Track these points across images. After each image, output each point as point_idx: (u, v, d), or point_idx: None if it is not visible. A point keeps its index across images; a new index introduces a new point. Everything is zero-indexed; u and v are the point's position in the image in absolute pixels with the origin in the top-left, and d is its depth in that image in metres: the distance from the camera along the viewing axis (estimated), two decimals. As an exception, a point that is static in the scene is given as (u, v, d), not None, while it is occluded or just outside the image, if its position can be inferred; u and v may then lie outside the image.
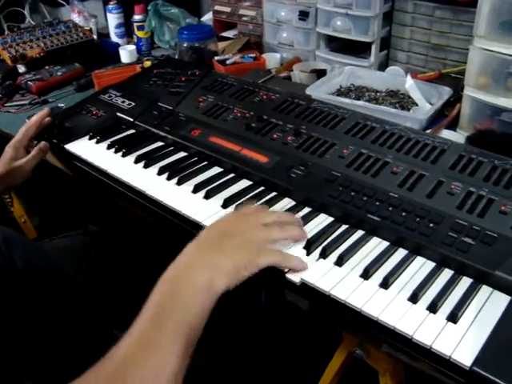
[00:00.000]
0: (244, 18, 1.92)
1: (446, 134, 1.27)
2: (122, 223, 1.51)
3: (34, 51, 1.79)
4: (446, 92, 1.38)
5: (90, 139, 1.27)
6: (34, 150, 1.25)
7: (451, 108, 1.36)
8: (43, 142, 1.25)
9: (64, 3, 2.18)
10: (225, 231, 0.78)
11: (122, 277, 1.26)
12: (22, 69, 1.79)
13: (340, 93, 1.49)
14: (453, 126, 1.32)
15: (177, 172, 1.09)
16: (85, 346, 0.94)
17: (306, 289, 0.80)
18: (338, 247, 0.86)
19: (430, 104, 1.37)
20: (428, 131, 1.27)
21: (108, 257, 1.28)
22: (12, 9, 2.05)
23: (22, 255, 0.91)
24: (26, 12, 2.09)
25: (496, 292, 0.77)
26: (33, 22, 2.08)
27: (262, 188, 1.03)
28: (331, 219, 0.93)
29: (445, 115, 1.36)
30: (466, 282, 0.79)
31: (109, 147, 1.22)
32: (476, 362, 0.65)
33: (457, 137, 1.26)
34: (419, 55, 1.59)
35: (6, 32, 1.98)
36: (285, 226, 0.84)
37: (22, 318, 0.82)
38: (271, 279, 0.86)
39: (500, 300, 0.75)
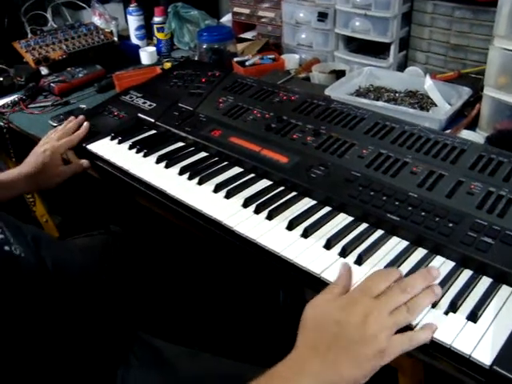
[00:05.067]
0: (263, 20, 1.93)
1: (466, 134, 1.27)
2: (144, 223, 1.52)
3: (57, 53, 1.82)
4: (466, 92, 1.37)
5: (111, 140, 1.29)
6: (74, 163, 1.27)
7: (471, 108, 1.35)
8: (87, 161, 1.26)
9: (85, 6, 2.21)
10: (341, 329, 0.66)
11: (144, 277, 1.27)
12: (44, 71, 1.83)
13: (359, 93, 1.50)
14: (472, 126, 1.32)
15: (198, 172, 1.11)
16: (110, 346, 0.95)
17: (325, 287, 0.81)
18: (357, 246, 0.87)
19: (450, 104, 1.37)
20: (447, 131, 1.27)
21: (129, 257, 1.29)
22: (35, 12, 2.08)
23: (50, 254, 0.92)
24: (49, 15, 2.12)
25: (516, 291, 0.77)
26: (55, 25, 2.11)
27: (282, 188, 1.04)
28: (351, 218, 0.94)
29: (464, 115, 1.35)
30: (485, 282, 0.79)
31: (130, 147, 1.24)
32: (496, 361, 0.66)
33: (476, 137, 1.25)
34: (438, 55, 1.58)
35: (30, 35, 2.01)
36: (415, 302, 0.70)
37: (53, 317, 0.84)
38: (289, 279, 0.87)
39: (520, 299, 0.76)
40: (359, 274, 0.81)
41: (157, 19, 2.01)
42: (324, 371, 0.64)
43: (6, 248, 0.80)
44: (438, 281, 0.78)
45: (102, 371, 0.85)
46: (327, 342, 0.66)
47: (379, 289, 0.69)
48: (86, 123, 1.32)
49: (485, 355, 0.67)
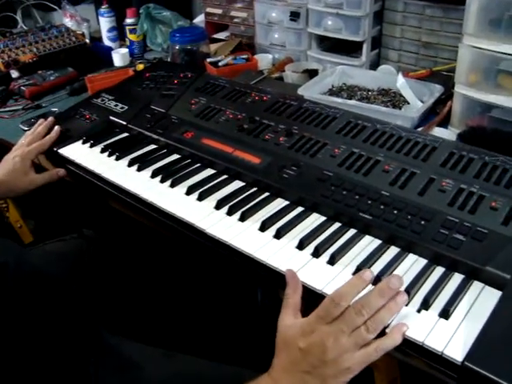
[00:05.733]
0: (235, 20, 1.92)
1: (438, 131, 1.28)
2: (117, 226, 1.51)
3: (27, 56, 1.79)
4: (437, 90, 1.38)
5: (83, 143, 1.27)
6: (48, 172, 1.25)
7: (442, 106, 1.36)
8: (63, 170, 1.25)
9: (56, 8, 2.19)
10: (303, 355, 0.69)
11: (116, 280, 1.26)
12: (15, 74, 1.80)
13: (332, 92, 1.50)
14: (444, 123, 1.33)
15: (170, 174, 1.10)
16: (72, 348, 0.94)
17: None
18: (330, 246, 0.87)
19: (422, 102, 1.37)
20: (420, 129, 1.27)
21: (102, 260, 1.28)
22: (4, 14, 2.05)
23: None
24: (19, 17, 2.10)
25: (487, 287, 0.78)
26: (25, 27, 2.08)
27: (255, 189, 1.04)
28: (323, 218, 0.94)
29: (436, 113, 1.36)
30: (457, 279, 0.80)
31: (102, 151, 1.23)
32: (468, 357, 0.66)
33: (448, 134, 1.26)
34: (410, 53, 1.59)
35: (-1, 37, 1.98)
36: (375, 320, 0.69)
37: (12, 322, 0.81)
38: (267, 279, 0.87)
39: (491, 295, 0.76)
40: (332, 274, 0.81)
41: (129, 20, 1.99)
42: None
43: None
44: (409, 280, 0.78)
45: (64, 371, 0.83)
46: (294, 364, 0.70)
47: (335, 313, 0.69)
48: (56, 127, 1.30)
49: (457, 351, 0.67)
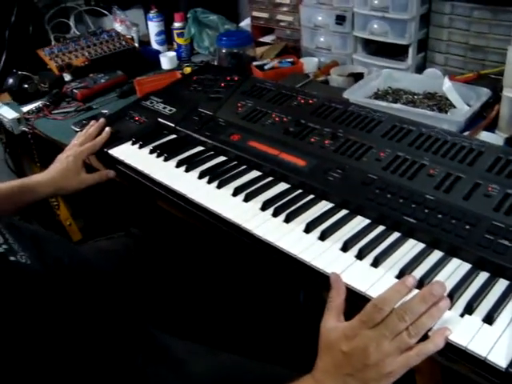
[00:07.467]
0: (281, 23, 1.94)
1: (485, 135, 1.26)
2: (164, 226, 1.55)
3: (79, 60, 1.85)
4: (485, 93, 1.37)
5: (132, 144, 1.31)
6: (99, 173, 1.31)
7: (490, 110, 1.35)
8: (113, 172, 1.30)
9: (107, 13, 2.25)
10: (345, 359, 0.70)
11: (163, 278, 1.29)
12: (67, 77, 1.87)
13: (377, 96, 1.50)
14: (492, 127, 1.31)
15: (217, 176, 1.12)
16: (121, 342, 0.96)
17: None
18: (374, 249, 0.88)
19: (469, 106, 1.36)
20: (466, 133, 1.26)
21: (149, 259, 1.31)
22: (58, 20, 2.13)
23: (51, 253, 0.88)
24: (71, 23, 2.17)
25: (532, 294, 0.77)
26: (78, 33, 2.15)
27: (300, 191, 1.05)
28: (368, 221, 0.95)
29: (483, 117, 1.35)
30: (502, 284, 0.79)
31: (151, 152, 1.26)
32: (512, 363, 0.66)
33: (496, 138, 1.25)
34: (457, 56, 1.57)
35: (53, 42, 2.05)
36: (417, 325, 0.70)
37: (51, 317, 0.82)
38: (311, 280, 0.88)
39: (536, 301, 0.76)
40: (375, 276, 0.82)
41: (176, 24, 2.03)
42: None
43: (12, 258, 0.73)
44: (452, 284, 0.78)
45: (111, 366, 0.86)
46: (336, 367, 0.71)
47: (377, 318, 0.70)
48: (107, 128, 1.35)
49: (501, 357, 0.67)
